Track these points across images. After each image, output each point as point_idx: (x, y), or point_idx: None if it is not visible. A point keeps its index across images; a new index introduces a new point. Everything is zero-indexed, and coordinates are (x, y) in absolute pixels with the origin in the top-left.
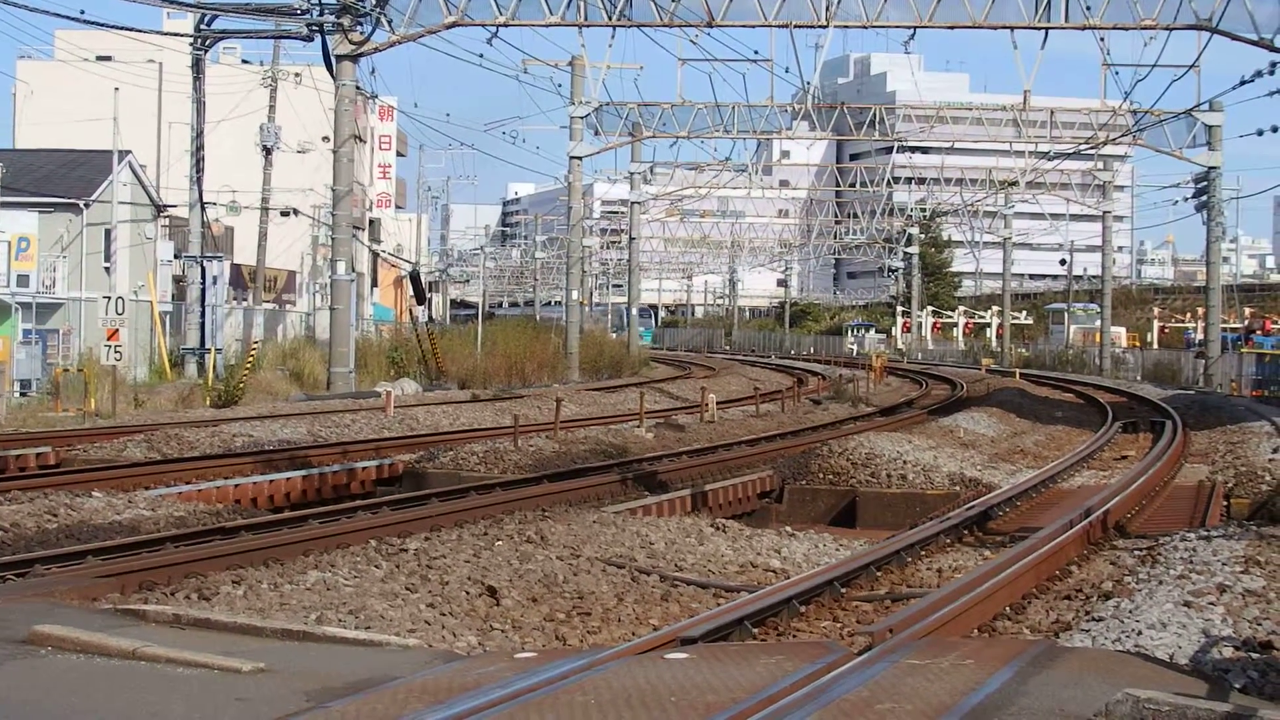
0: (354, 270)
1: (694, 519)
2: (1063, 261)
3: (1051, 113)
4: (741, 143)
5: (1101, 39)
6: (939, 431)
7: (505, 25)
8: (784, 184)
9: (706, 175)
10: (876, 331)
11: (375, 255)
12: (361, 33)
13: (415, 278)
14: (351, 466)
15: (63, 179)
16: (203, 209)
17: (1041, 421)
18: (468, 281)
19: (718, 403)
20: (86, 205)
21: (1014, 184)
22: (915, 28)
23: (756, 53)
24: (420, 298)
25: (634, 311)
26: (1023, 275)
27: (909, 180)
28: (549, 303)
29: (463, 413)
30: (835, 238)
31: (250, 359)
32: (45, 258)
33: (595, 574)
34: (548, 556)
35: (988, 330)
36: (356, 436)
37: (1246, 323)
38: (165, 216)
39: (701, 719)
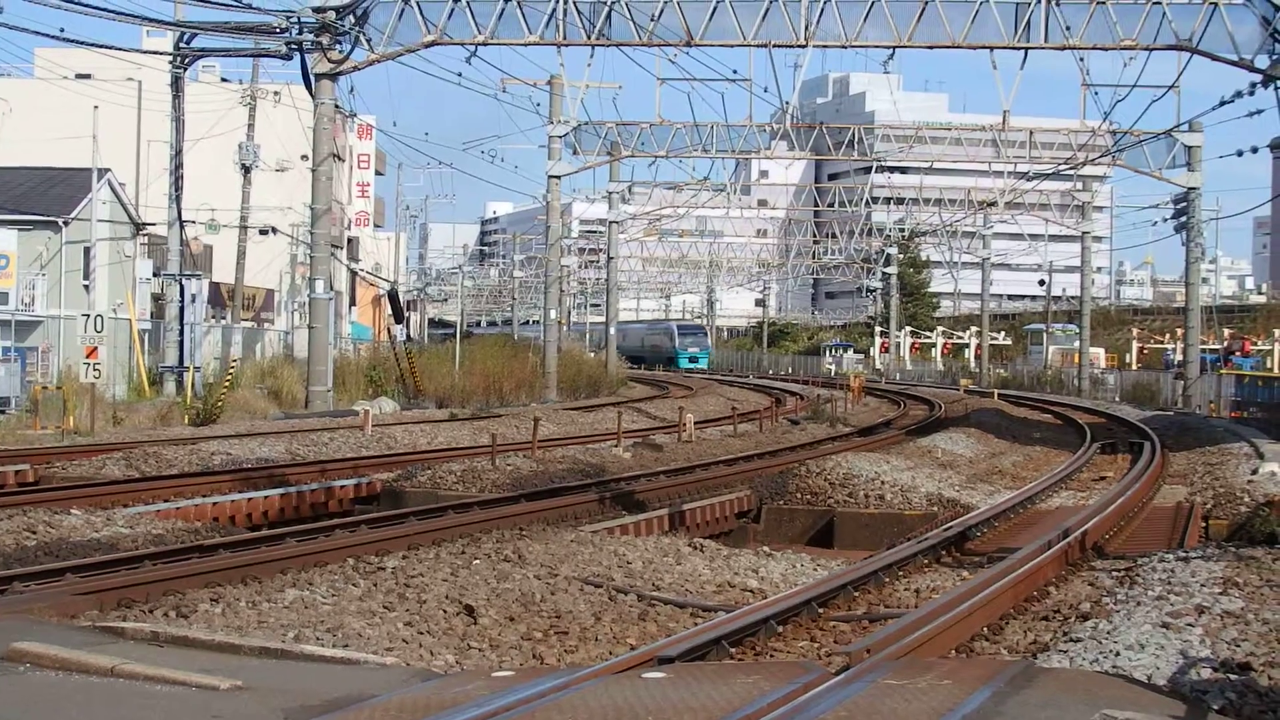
0: (332, 289)
1: (672, 538)
2: (1041, 282)
3: (1030, 133)
4: (720, 162)
5: (1081, 59)
6: (917, 452)
7: (484, 44)
8: (762, 204)
9: (685, 195)
10: (854, 352)
11: (353, 274)
12: (340, 51)
13: (393, 296)
14: (329, 485)
15: (42, 197)
16: (181, 227)
17: (1020, 442)
18: (446, 300)
19: (695, 422)
20: (65, 223)
21: (993, 204)
22: (894, 47)
23: (735, 72)
24: (398, 316)
25: (612, 331)
26: (1001, 296)
27: (887, 200)
28: (527, 322)
29: (440, 431)
30: (813, 257)
31: (228, 377)
32: (24, 275)
33: (573, 593)
34: (525, 575)
35: (966, 351)
36: (334, 455)
37: (1225, 344)
38: (144, 234)
39: None
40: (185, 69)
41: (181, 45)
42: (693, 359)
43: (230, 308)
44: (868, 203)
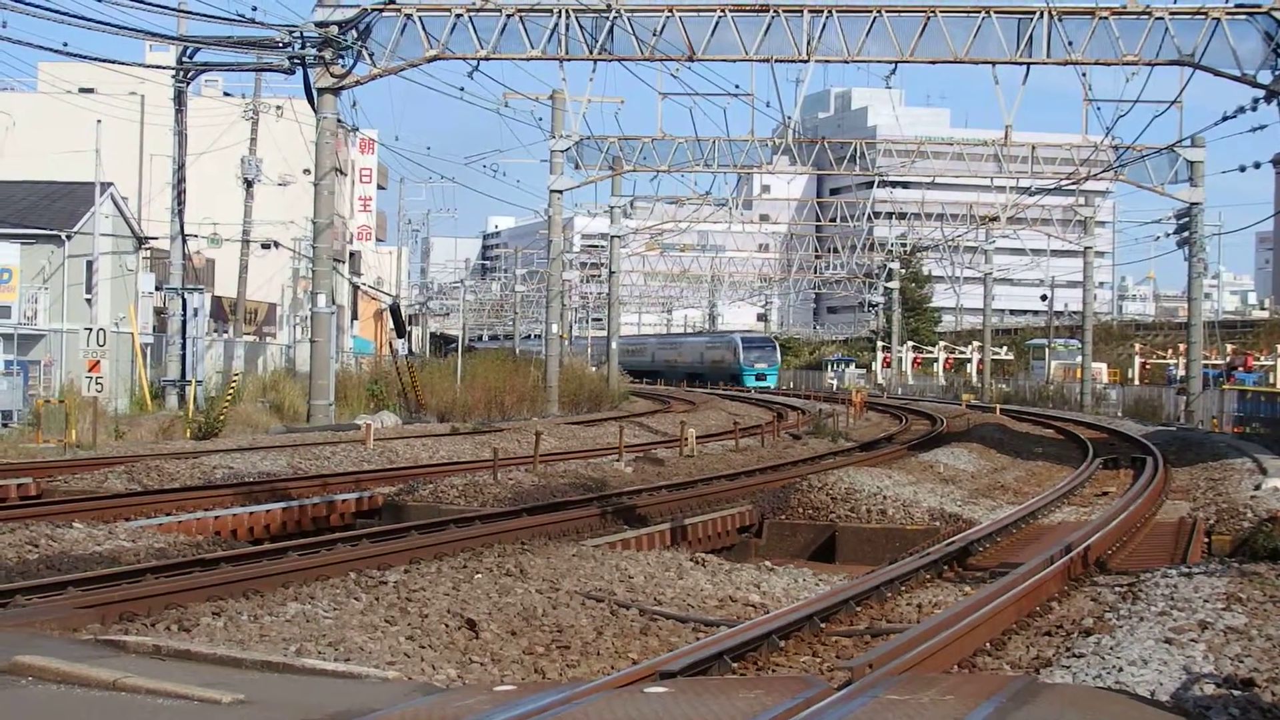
0: (334, 303)
1: (673, 553)
2: (1044, 297)
3: (1033, 148)
4: (722, 177)
5: (1083, 74)
6: (919, 467)
7: (486, 59)
8: (764, 218)
9: (687, 209)
10: (856, 366)
11: (355, 288)
12: (343, 66)
13: (395, 310)
14: (331, 499)
15: (45, 210)
16: (184, 241)
17: (1022, 457)
18: (448, 314)
19: (697, 437)
20: (68, 237)
21: (995, 219)
22: (896, 62)
23: (737, 87)
24: (400, 330)
25: (613, 345)
26: (1003, 311)
27: (889, 215)
28: (528, 336)
29: (442, 445)
30: (815, 272)
31: (230, 391)
32: (27, 289)
33: (574, 607)
34: (527, 590)
35: (968, 366)
36: (336, 469)
37: (1228, 359)
38: (146, 248)
39: None
40: (188, 83)
41: (184, 60)
42: (760, 376)
43: (232, 322)
44: (870, 217)
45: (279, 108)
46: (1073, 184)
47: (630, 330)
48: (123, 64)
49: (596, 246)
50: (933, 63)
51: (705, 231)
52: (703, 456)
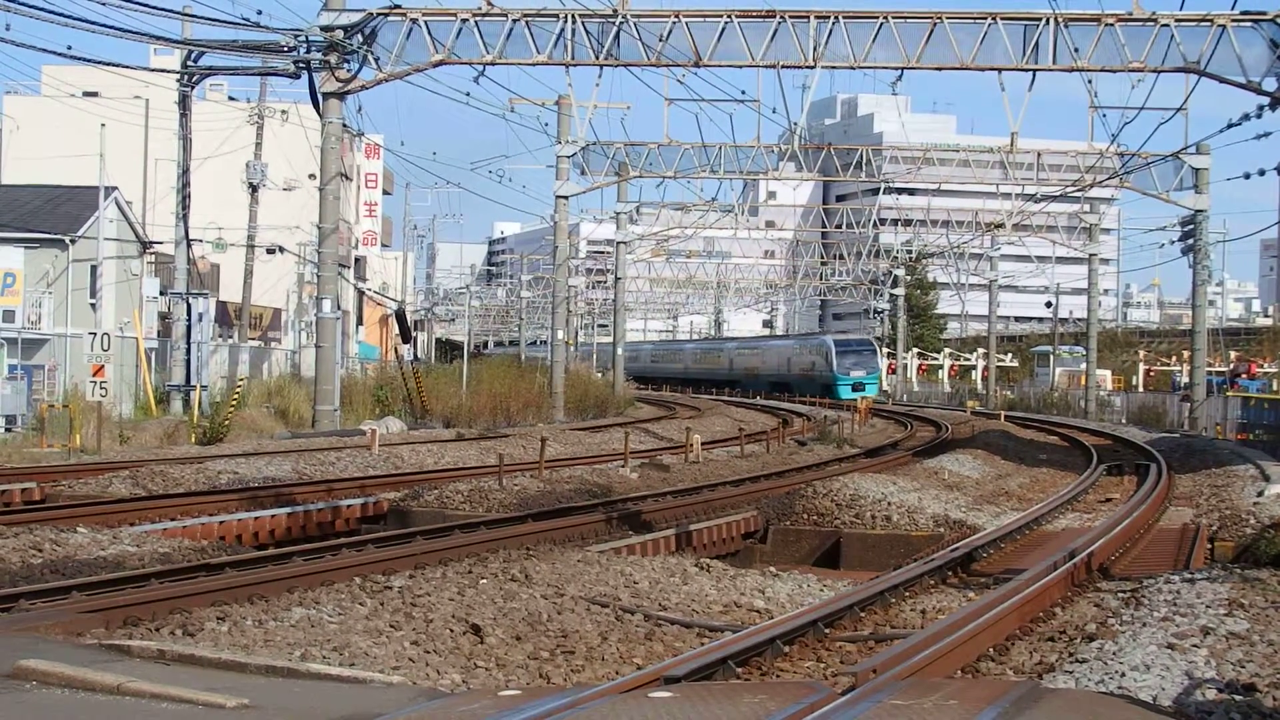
0: (339, 308)
1: (678, 559)
2: (1048, 304)
3: (1038, 155)
4: (728, 183)
5: (1089, 81)
6: (923, 473)
7: (492, 64)
8: (770, 225)
9: (693, 215)
10: None
11: (361, 293)
12: (348, 70)
13: (401, 316)
14: (336, 504)
15: (49, 214)
16: (188, 246)
17: (1026, 464)
18: (453, 320)
19: (703, 443)
20: (72, 241)
21: (1000, 226)
22: (902, 69)
23: (744, 93)
24: (406, 336)
25: (619, 351)
26: (1008, 318)
27: (895, 222)
28: (534, 342)
29: (447, 451)
30: (821, 279)
31: (235, 396)
32: (31, 293)
33: (579, 613)
34: (532, 595)
35: (973, 372)
36: (341, 474)
37: (1232, 366)
38: (151, 253)
39: None
40: (193, 87)
41: (189, 63)
42: (857, 387)
43: (237, 327)
44: (875, 224)
45: (284, 112)
46: (1078, 191)
47: (635, 336)
48: (127, 67)
49: (602, 252)
50: (939, 69)
51: (711, 238)
52: (708, 463)
